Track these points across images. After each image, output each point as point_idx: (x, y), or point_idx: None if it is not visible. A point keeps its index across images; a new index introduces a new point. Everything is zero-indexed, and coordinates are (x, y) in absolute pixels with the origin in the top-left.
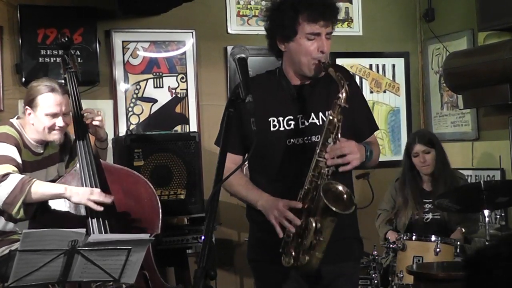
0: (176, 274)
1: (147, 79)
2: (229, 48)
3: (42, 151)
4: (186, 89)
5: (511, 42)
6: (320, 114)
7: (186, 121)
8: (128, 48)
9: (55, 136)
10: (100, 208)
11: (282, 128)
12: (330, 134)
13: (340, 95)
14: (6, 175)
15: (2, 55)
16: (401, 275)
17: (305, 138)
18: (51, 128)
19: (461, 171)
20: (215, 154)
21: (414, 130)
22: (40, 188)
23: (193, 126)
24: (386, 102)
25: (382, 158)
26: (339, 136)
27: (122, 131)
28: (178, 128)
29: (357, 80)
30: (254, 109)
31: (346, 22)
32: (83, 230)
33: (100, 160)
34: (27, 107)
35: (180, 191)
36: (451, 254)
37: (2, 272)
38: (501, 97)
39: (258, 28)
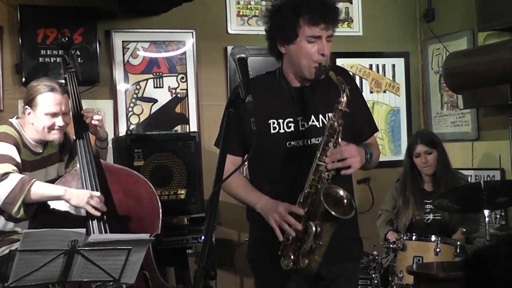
0: (176, 274)
1: (147, 79)
2: (229, 48)
3: (41, 151)
4: (186, 89)
5: (511, 42)
6: (320, 116)
7: (186, 121)
8: (128, 48)
9: (54, 135)
10: (98, 213)
11: (282, 131)
12: (331, 139)
13: (341, 99)
14: (6, 174)
15: (2, 55)
16: (401, 275)
17: (305, 140)
18: (51, 128)
19: (461, 171)
20: (215, 154)
21: (414, 130)
22: (39, 189)
23: (193, 126)
24: (386, 102)
25: (382, 158)
26: (340, 140)
27: (122, 131)
28: (178, 128)
29: (357, 80)
30: (254, 109)
31: (346, 22)
32: (83, 230)
33: (100, 160)
34: (26, 106)
35: (180, 191)
36: (451, 254)
37: (2, 272)
38: (501, 97)
39: (258, 28)
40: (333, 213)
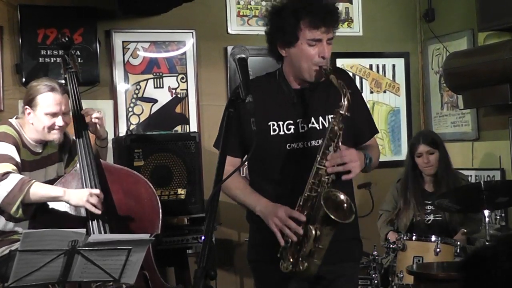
0: (176, 274)
1: (147, 79)
2: (229, 48)
3: (41, 151)
4: (186, 89)
5: (511, 42)
6: (320, 118)
7: (186, 121)
8: (128, 48)
9: (54, 135)
10: (98, 211)
11: (282, 133)
12: (331, 142)
13: (342, 103)
14: (6, 174)
15: (2, 55)
16: (401, 275)
17: (305, 142)
18: (51, 128)
19: (461, 171)
20: (215, 154)
21: (414, 130)
22: (39, 189)
23: (193, 126)
24: (386, 102)
25: (382, 159)
26: (340, 144)
27: (122, 131)
28: (178, 128)
29: (357, 80)
30: (254, 109)
31: (346, 22)
32: (83, 230)
33: (100, 160)
34: (26, 106)
35: (180, 191)
36: (451, 254)
37: (2, 272)
38: (501, 97)
39: (258, 28)
40: (333, 217)
